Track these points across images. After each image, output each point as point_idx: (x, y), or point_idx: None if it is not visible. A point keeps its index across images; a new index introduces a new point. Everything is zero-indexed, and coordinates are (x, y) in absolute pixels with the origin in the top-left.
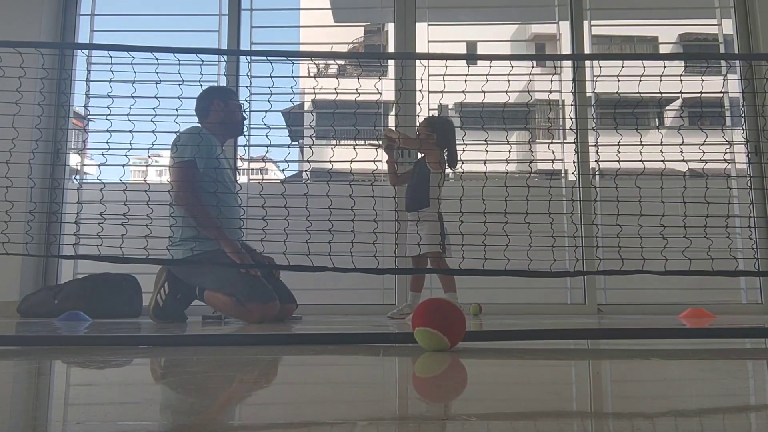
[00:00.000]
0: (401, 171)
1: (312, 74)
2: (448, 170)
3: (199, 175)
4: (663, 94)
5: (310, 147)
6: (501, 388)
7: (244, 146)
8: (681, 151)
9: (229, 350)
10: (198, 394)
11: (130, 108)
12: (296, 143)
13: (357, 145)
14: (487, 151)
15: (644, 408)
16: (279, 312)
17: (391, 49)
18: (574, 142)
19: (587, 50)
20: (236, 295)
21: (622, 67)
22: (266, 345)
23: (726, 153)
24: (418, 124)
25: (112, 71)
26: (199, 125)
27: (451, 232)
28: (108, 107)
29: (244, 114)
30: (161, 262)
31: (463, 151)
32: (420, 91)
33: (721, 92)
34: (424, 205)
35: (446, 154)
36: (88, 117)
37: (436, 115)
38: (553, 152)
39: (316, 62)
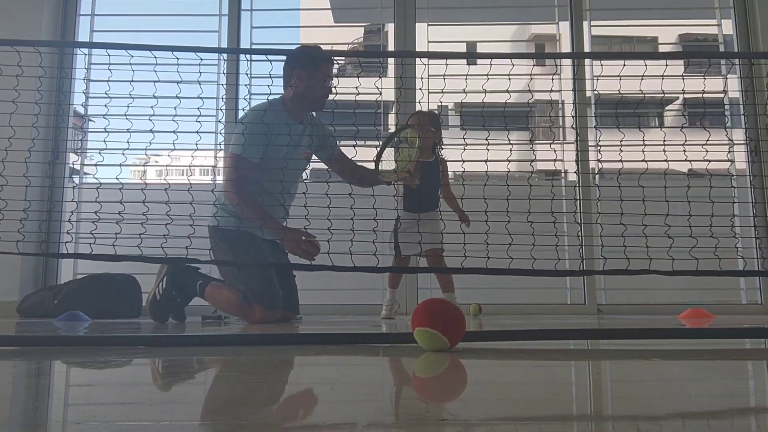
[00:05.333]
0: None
1: None
2: None
3: (252, 167)
4: (664, 94)
5: (309, 146)
6: (501, 388)
7: (242, 146)
8: (684, 151)
9: (228, 350)
10: (197, 395)
11: (128, 107)
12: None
13: (357, 144)
14: (488, 149)
15: (645, 408)
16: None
17: (391, 49)
18: (574, 142)
19: (587, 50)
20: (245, 290)
21: (624, 65)
22: (266, 345)
23: (729, 152)
24: (420, 120)
25: (110, 70)
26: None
27: (450, 231)
28: (106, 106)
29: (331, 87)
30: (164, 261)
31: (464, 149)
32: (420, 89)
33: (722, 92)
34: (435, 206)
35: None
36: (87, 117)
37: (430, 111)
38: (555, 152)
39: None
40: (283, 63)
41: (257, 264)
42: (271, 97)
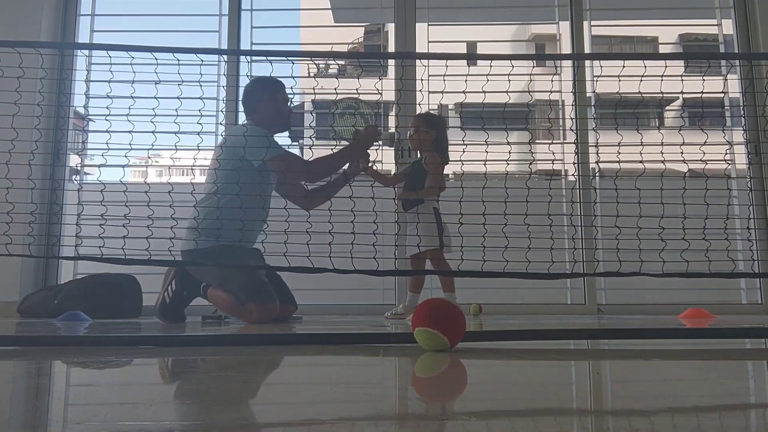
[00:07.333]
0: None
1: (312, 74)
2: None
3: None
4: (663, 94)
5: (310, 147)
6: (501, 388)
7: (243, 147)
8: (681, 152)
9: (228, 350)
10: (198, 395)
11: (129, 108)
12: (296, 143)
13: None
14: (487, 152)
15: (644, 408)
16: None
17: (392, 49)
18: (574, 143)
19: (587, 50)
20: (236, 293)
21: (623, 66)
22: (266, 345)
23: (726, 153)
24: (412, 121)
25: (111, 71)
26: (243, 124)
27: (451, 232)
28: (108, 107)
29: (291, 107)
30: (162, 263)
31: (464, 151)
32: (420, 91)
33: (721, 92)
34: (419, 202)
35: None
36: (88, 117)
37: (430, 112)
38: (553, 153)
39: (316, 62)
40: (246, 95)
41: (244, 266)
42: (241, 122)
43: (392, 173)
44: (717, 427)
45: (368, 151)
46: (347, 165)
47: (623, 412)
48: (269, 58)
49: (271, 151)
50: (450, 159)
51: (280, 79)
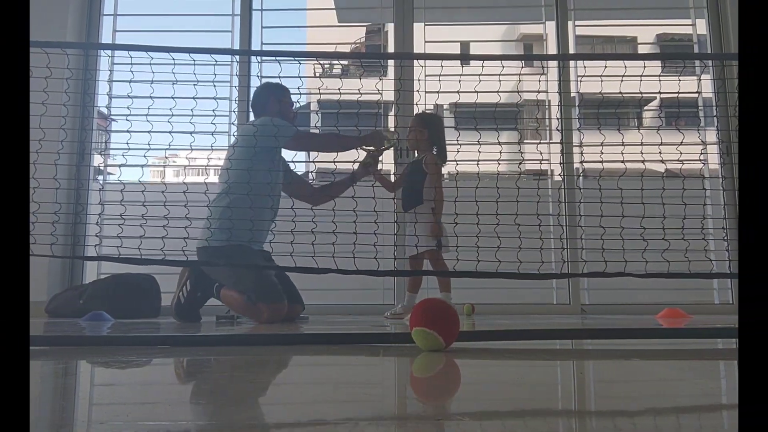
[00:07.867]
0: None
1: (317, 74)
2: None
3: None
4: (642, 94)
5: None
6: (492, 387)
7: (253, 147)
8: (660, 152)
9: (239, 350)
10: (211, 394)
11: (148, 108)
12: None
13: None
14: (480, 151)
15: (628, 408)
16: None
17: (391, 48)
18: (559, 143)
19: (572, 50)
20: (248, 293)
21: (605, 66)
22: (273, 345)
23: (701, 153)
24: (410, 121)
25: (132, 71)
26: (251, 122)
27: (448, 232)
28: (128, 107)
29: (295, 112)
30: (180, 264)
31: (458, 151)
32: (417, 91)
33: (695, 92)
34: (418, 203)
35: (435, 150)
36: (111, 117)
37: (426, 111)
38: (541, 153)
39: (321, 62)
40: (254, 98)
41: (255, 266)
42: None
43: (392, 174)
44: (690, 425)
45: (377, 156)
46: (356, 167)
47: (609, 413)
48: (278, 58)
49: (291, 131)
50: (448, 158)
51: (285, 84)
